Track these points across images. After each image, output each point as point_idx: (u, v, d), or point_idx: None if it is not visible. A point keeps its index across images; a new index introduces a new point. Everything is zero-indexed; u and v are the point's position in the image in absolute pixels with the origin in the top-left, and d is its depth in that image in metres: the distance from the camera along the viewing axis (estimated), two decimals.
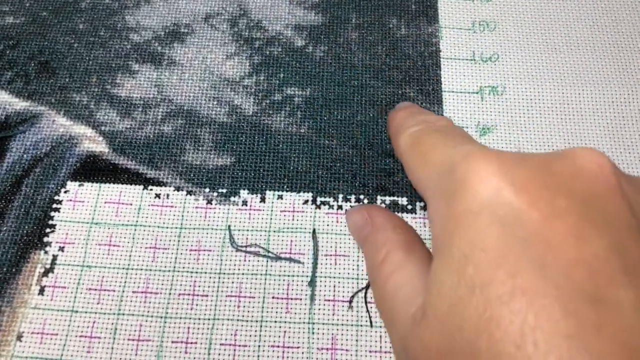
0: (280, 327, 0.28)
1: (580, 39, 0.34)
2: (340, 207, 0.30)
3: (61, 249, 0.29)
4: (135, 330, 0.27)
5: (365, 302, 0.28)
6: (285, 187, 0.31)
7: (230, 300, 0.28)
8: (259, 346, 0.27)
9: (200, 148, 0.32)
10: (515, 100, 0.33)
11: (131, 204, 0.30)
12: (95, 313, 0.28)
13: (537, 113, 0.32)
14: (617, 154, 0.31)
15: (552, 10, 0.35)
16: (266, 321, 0.28)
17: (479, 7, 0.36)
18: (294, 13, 0.36)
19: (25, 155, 0.31)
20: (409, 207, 0.30)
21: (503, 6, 0.36)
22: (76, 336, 0.27)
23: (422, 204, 0.30)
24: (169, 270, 0.29)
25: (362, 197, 0.30)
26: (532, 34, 0.35)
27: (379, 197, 0.30)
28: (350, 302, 0.28)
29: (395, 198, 0.30)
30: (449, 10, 0.36)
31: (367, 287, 0.28)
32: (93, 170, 0.31)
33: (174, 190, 0.30)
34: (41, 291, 0.28)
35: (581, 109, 0.33)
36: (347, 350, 0.27)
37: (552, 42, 0.34)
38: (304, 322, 0.28)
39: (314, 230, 0.30)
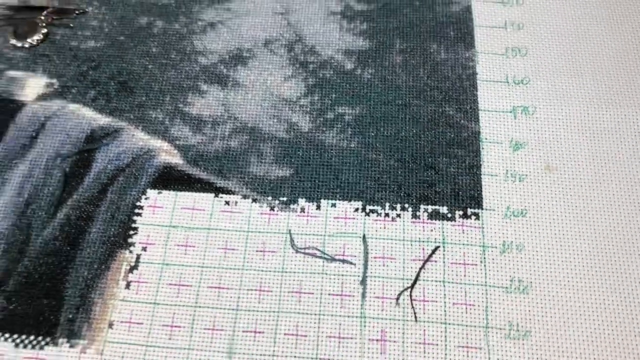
0: (335, 320, 0.31)
1: (605, 64, 0.37)
2: (387, 215, 0.33)
3: (144, 248, 0.32)
4: (210, 321, 0.31)
5: (411, 300, 0.31)
6: (338, 196, 0.34)
7: (292, 296, 0.31)
8: (318, 336, 0.30)
9: (263, 161, 0.35)
10: (545, 120, 0.35)
11: (204, 210, 0.33)
12: (175, 305, 0.31)
13: (564, 131, 0.35)
14: (638, 168, 0.34)
15: (578, 37, 0.38)
16: (323, 314, 0.31)
17: (511, 35, 0.39)
18: (343, 39, 0.39)
19: (109, 166, 0.35)
20: (449, 215, 0.33)
21: (533, 34, 0.38)
22: (159, 325, 0.31)
23: (460, 212, 0.33)
24: (238, 269, 0.32)
25: (406, 205, 0.33)
26: (561, 59, 0.37)
27: (421, 206, 0.33)
28: (397, 299, 0.31)
29: (437, 207, 0.33)
30: (484, 37, 0.38)
31: (412, 286, 0.31)
32: (170, 179, 0.34)
33: (241, 198, 0.34)
34: (127, 285, 0.32)
35: (604, 127, 0.35)
36: (394, 341, 0.30)
37: (579, 67, 0.37)
38: (356, 316, 0.31)
39: (364, 235, 0.33)
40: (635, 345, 0.29)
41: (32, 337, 0.30)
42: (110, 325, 0.30)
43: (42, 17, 0.39)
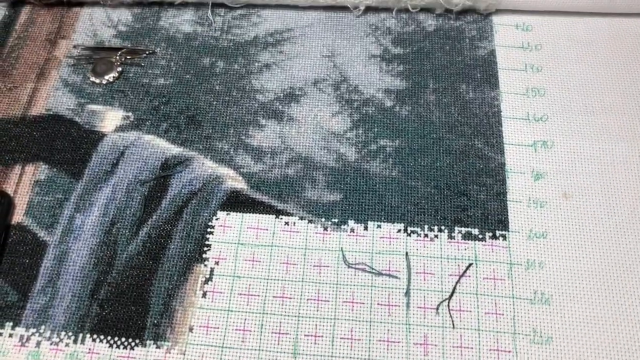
0: (384, 326, 0.35)
1: (615, 103, 0.42)
2: (426, 235, 0.38)
3: (217, 262, 0.37)
4: (276, 326, 0.35)
5: (449, 309, 0.36)
6: (382, 218, 0.38)
7: (346, 305, 0.36)
8: (369, 340, 0.35)
9: (316, 187, 0.40)
10: (562, 153, 0.40)
11: (267, 229, 0.38)
12: (246, 312, 0.36)
13: (579, 163, 0.40)
14: None
15: (591, 79, 0.43)
16: (374, 321, 0.35)
17: (531, 77, 0.43)
18: (383, 80, 0.44)
19: (183, 190, 0.39)
20: (480, 236, 0.38)
21: (551, 76, 0.43)
22: (233, 329, 0.35)
23: (490, 234, 0.38)
24: (299, 281, 0.36)
25: (443, 227, 0.38)
26: (575, 99, 0.42)
27: (456, 228, 0.38)
28: (437, 309, 0.36)
29: (469, 229, 0.38)
30: (507, 78, 0.43)
31: (449, 298, 0.36)
32: (236, 202, 0.39)
33: (298, 219, 0.38)
34: (204, 295, 0.36)
35: (615, 159, 0.40)
36: (435, 345, 0.35)
37: (592, 106, 0.42)
38: (402, 323, 0.35)
39: (406, 253, 0.37)
40: None
41: (123, 339, 0.35)
42: (191, 329, 0.35)
43: (117, 57, 0.44)
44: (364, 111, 0.42)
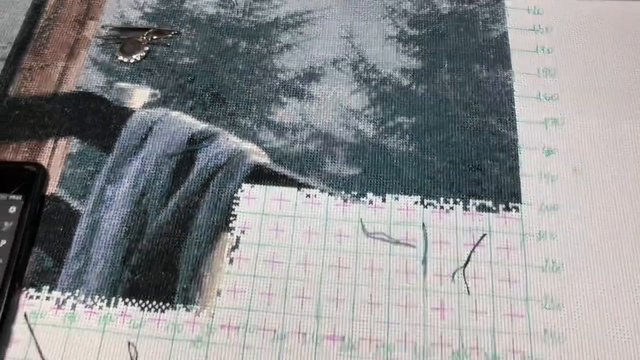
0: (402, 292, 0.37)
1: (621, 83, 0.43)
2: (442, 207, 0.40)
3: (242, 232, 0.39)
4: (300, 291, 0.37)
5: (464, 277, 0.37)
6: (400, 191, 0.40)
7: (366, 271, 0.37)
8: (388, 304, 0.37)
9: (336, 161, 0.41)
10: (572, 130, 0.42)
11: (289, 201, 0.40)
12: (270, 278, 0.37)
13: (588, 139, 0.41)
14: None
15: (599, 60, 0.44)
16: (392, 288, 0.37)
17: (542, 58, 0.45)
18: (400, 59, 0.45)
19: (209, 164, 0.41)
20: (494, 208, 0.39)
21: (561, 57, 0.45)
22: (258, 293, 0.37)
23: (503, 206, 0.39)
24: (321, 249, 0.38)
25: (458, 200, 0.40)
26: (585, 79, 0.44)
27: (471, 201, 0.40)
28: (453, 276, 0.37)
29: (483, 201, 0.40)
30: (519, 59, 0.45)
31: (465, 266, 0.38)
32: (260, 176, 0.41)
33: (319, 192, 0.40)
34: (231, 262, 0.38)
35: (621, 136, 0.41)
36: (452, 309, 0.36)
37: (600, 86, 0.43)
38: (419, 289, 0.37)
39: (423, 223, 0.39)
40: None
41: (154, 303, 0.37)
42: (219, 293, 0.37)
43: (144, 37, 0.46)
44: (382, 89, 0.44)
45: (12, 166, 0.40)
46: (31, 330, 0.35)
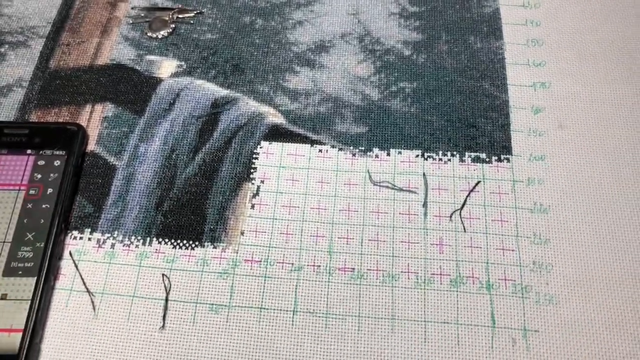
0: (405, 231, 0.42)
1: (605, 50, 0.48)
2: (440, 159, 0.44)
3: (262, 181, 0.44)
4: (314, 231, 0.42)
5: (460, 217, 0.42)
6: (402, 146, 0.45)
7: (372, 214, 0.42)
8: (393, 241, 0.41)
9: (345, 121, 0.46)
10: (558, 91, 0.47)
11: (304, 155, 0.45)
12: (288, 220, 0.42)
13: (572, 100, 0.46)
14: (628, 127, 0.45)
15: (585, 31, 0.49)
16: (397, 227, 0.42)
17: (531, 30, 0.50)
18: (402, 33, 0.50)
19: (231, 124, 0.46)
20: (487, 159, 0.44)
21: (548, 29, 0.50)
22: (277, 233, 0.42)
23: (495, 157, 0.44)
24: (332, 196, 0.43)
25: (455, 153, 0.44)
26: (571, 46, 0.48)
27: (466, 153, 0.44)
28: (451, 217, 0.42)
29: (478, 154, 0.44)
30: (510, 31, 0.50)
31: (461, 208, 0.42)
32: (277, 134, 0.45)
33: (330, 148, 0.45)
34: (252, 207, 0.43)
35: (604, 98, 0.46)
36: (449, 245, 0.41)
37: (585, 53, 0.48)
38: (420, 229, 0.42)
39: (424, 173, 0.44)
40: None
41: (185, 242, 0.41)
42: (242, 233, 0.42)
43: (170, 16, 0.51)
44: (385, 59, 0.49)
45: (56, 126, 0.45)
46: (76, 266, 0.40)
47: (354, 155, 0.44)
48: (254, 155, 0.44)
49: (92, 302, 0.39)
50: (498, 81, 0.47)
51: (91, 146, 0.45)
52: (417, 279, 0.39)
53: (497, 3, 0.51)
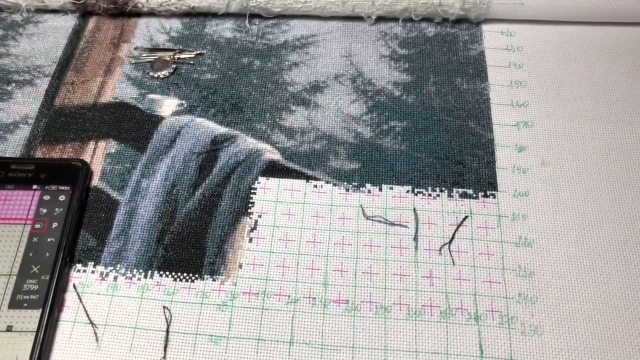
0: (397, 264, 0.43)
1: (583, 90, 0.51)
2: (430, 195, 0.46)
3: (259, 216, 0.45)
4: (309, 264, 0.43)
5: (449, 251, 0.44)
6: (394, 182, 0.47)
7: (365, 248, 0.44)
8: (385, 274, 0.43)
9: (339, 158, 0.48)
10: (540, 130, 0.49)
11: (299, 191, 0.46)
12: (284, 253, 0.44)
13: (554, 138, 0.48)
14: (604, 163, 0.47)
15: (562, 73, 0.52)
16: (389, 260, 0.43)
17: (514, 72, 0.52)
18: (392, 74, 0.53)
19: (230, 161, 0.48)
20: (474, 195, 0.46)
21: (530, 71, 0.52)
22: (274, 266, 0.43)
23: (482, 193, 0.46)
24: (327, 230, 0.45)
25: (443, 189, 0.46)
26: (550, 89, 0.51)
27: (454, 189, 0.46)
28: (440, 250, 0.44)
29: (465, 190, 0.46)
30: (495, 73, 0.52)
31: (450, 242, 0.44)
32: (274, 170, 0.47)
33: (325, 183, 0.47)
34: (250, 240, 0.44)
35: (582, 136, 0.48)
36: (439, 278, 0.43)
37: (563, 94, 0.51)
38: (411, 262, 0.43)
39: (414, 208, 0.46)
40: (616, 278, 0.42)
41: (185, 274, 0.43)
42: (240, 266, 0.43)
43: (171, 57, 0.53)
44: (377, 99, 0.51)
45: (61, 162, 0.46)
46: (80, 298, 0.41)
47: (347, 190, 0.46)
48: (252, 191, 0.46)
49: (95, 333, 0.40)
50: (483, 121, 0.49)
51: (95, 181, 0.46)
52: (409, 311, 0.41)
53: (482, 46, 0.54)
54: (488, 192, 0.45)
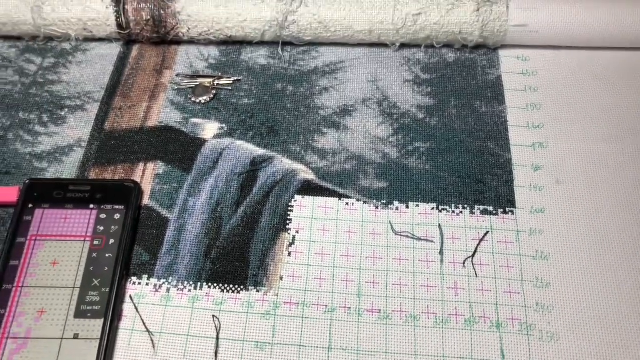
0: (425, 276, 0.47)
1: (594, 113, 0.54)
2: (453, 212, 0.50)
3: (297, 231, 0.49)
4: (344, 276, 0.47)
5: (472, 264, 0.47)
6: (419, 199, 0.51)
7: (395, 261, 0.48)
8: (414, 285, 0.46)
9: (368, 177, 0.52)
10: (555, 151, 0.52)
11: (333, 208, 0.50)
12: (320, 266, 0.47)
13: (568, 158, 0.52)
14: (617, 180, 0.51)
15: (575, 96, 0.55)
16: (417, 272, 0.47)
17: (530, 95, 0.56)
18: (416, 98, 0.56)
19: (268, 180, 0.52)
20: (494, 212, 0.50)
21: (545, 95, 0.56)
22: (312, 278, 0.47)
23: (502, 210, 0.50)
24: (359, 245, 0.48)
25: (466, 206, 0.50)
26: (564, 111, 0.54)
27: (476, 207, 0.50)
28: (464, 263, 0.48)
29: (486, 207, 0.50)
30: (511, 97, 0.56)
31: (472, 256, 0.48)
32: (309, 189, 0.51)
33: (356, 201, 0.51)
34: (289, 254, 0.48)
35: (594, 155, 0.52)
36: (463, 289, 0.46)
37: (576, 115, 0.54)
38: (437, 274, 0.47)
39: (439, 224, 0.49)
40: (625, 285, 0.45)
41: (231, 286, 0.47)
42: (281, 278, 0.47)
43: (211, 83, 0.57)
44: (402, 121, 0.55)
45: (114, 183, 0.50)
46: (136, 308, 0.45)
47: (377, 207, 0.50)
48: (289, 208, 0.50)
49: (152, 340, 0.44)
50: (502, 142, 0.53)
51: (145, 200, 0.50)
52: (436, 319, 0.44)
53: (499, 71, 0.57)
54: (507, 209, 0.49)
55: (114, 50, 0.60)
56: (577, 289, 0.45)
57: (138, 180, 0.51)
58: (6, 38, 0.60)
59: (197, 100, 0.55)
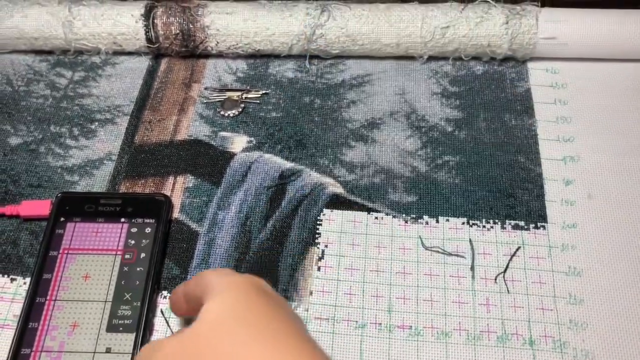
0: (455, 292, 0.46)
1: (626, 126, 0.53)
2: (484, 227, 0.49)
3: (326, 246, 0.49)
4: (374, 291, 0.46)
5: (504, 280, 0.47)
6: (449, 214, 0.50)
7: (426, 277, 0.47)
8: (445, 301, 0.46)
9: (397, 191, 0.51)
10: (586, 165, 0.52)
11: (361, 222, 0.50)
12: (350, 281, 0.47)
13: (600, 172, 0.51)
14: None
15: (606, 108, 0.54)
16: (448, 288, 0.47)
17: (559, 108, 0.55)
18: (444, 111, 0.56)
19: (296, 194, 0.51)
20: (525, 227, 0.49)
21: (575, 107, 0.55)
22: (342, 294, 0.46)
23: (533, 225, 0.49)
24: (389, 259, 0.48)
25: (497, 221, 0.49)
26: (595, 124, 0.53)
27: (507, 221, 0.49)
28: (495, 279, 0.47)
29: (517, 221, 0.49)
30: (541, 110, 0.55)
31: (504, 271, 0.47)
32: (337, 203, 0.51)
33: (385, 215, 0.50)
34: (319, 269, 0.48)
35: (627, 169, 0.51)
36: (495, 305, 0.46)
37: (608, 128, 0.53)
38: (469, 290, 0.46)
39: (470, 239, 0.49)
40: None
41: None
42: (311, 293, 0.46)
43: (239, 96, 0.57)
44: (430, 135, 0.54)
45: (146, 197, 0.51)
46: (167, 322, 0.45)
47: (406, 222, 0.49)
48: (318, 222, 0.49)
49: None
50: (532, 155, 0.52)
51: (175, 214, 0.50)
52: (468, 336, 0.44)
53: (528, 83, 0.57)
54: (539, 224, 0.48)
55: (143, 63, 0.60)
56: (611, 306, 0.44)
57: (168, 193, 0.51)
58: (37, 52, 0.60)
59: (226, 114, 0.55)
